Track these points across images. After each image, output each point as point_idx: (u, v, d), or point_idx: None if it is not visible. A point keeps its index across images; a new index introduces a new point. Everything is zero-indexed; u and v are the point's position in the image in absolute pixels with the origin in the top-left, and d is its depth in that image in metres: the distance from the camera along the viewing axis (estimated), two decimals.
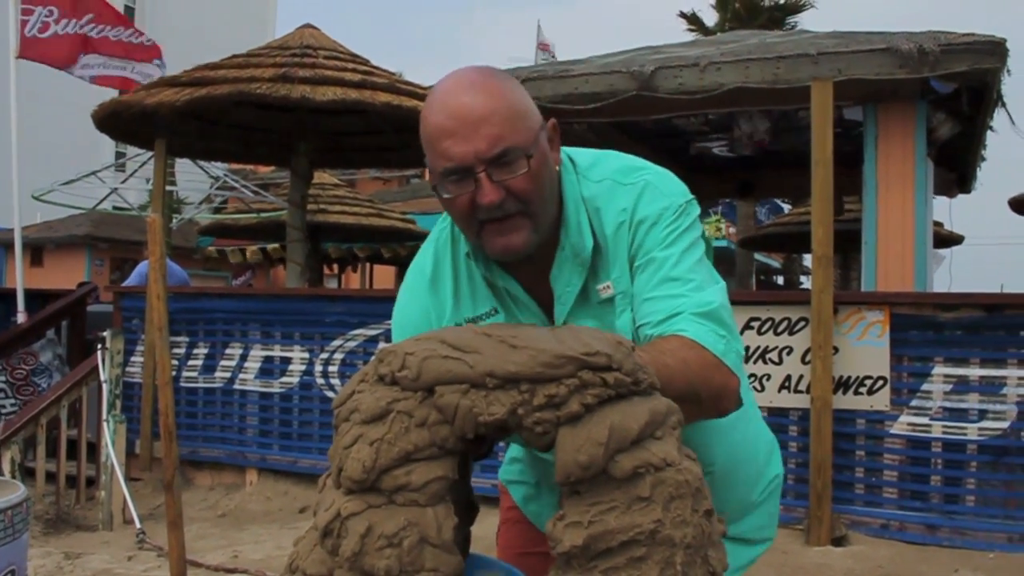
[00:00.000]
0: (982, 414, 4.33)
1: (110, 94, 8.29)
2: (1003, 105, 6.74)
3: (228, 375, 6.22)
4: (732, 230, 17.57)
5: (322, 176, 11.03)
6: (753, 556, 1.66)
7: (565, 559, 0.95)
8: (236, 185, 10.52)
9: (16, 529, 2.30)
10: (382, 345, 5.55)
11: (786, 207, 16.16)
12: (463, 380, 0.96)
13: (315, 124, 7.15)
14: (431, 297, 1.48)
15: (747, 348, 4.55)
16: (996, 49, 5.73)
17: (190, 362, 6.35)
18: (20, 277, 7.70)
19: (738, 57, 6.36)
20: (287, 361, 6.02)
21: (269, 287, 19.18)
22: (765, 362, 4.69)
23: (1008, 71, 6.17)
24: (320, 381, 5.88)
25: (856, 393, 4.53)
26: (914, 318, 4.49)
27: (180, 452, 4.04)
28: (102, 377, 6.01)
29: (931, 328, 4.46)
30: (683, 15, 20.15)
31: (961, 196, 9.63)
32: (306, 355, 5.95)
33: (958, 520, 4.35)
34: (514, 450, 1.74)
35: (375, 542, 0.94)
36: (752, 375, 4.67)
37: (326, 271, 16.01)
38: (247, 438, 6.17)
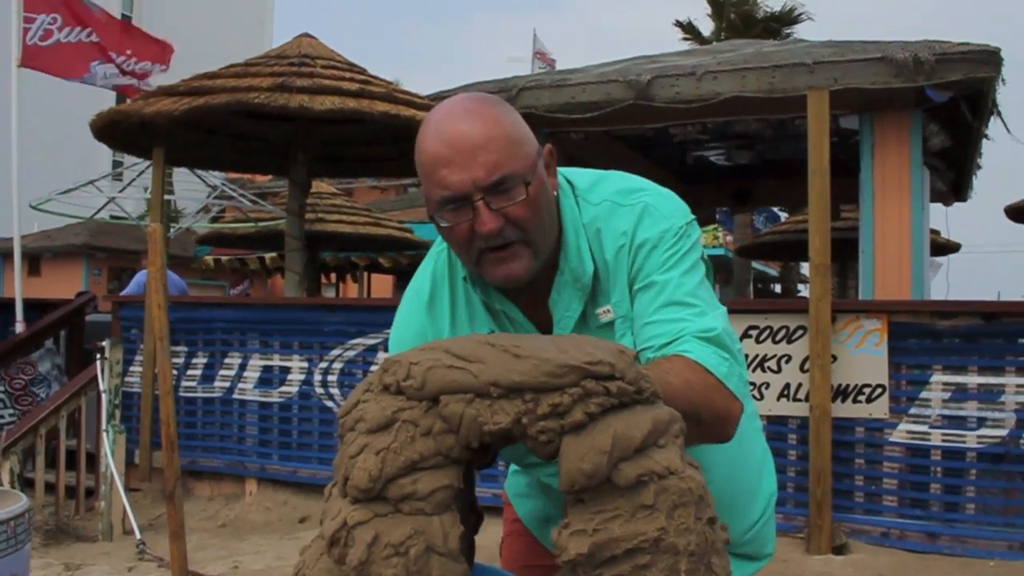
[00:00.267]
0: (981, 422, 4.34)
1: (108, 103, 8.31)
2: (998, 114, 6.78)
3: (227, 384, 6.22)
4: (729, 238, 17.59)
5: (320, 185, 11.05)
6: (754, 570, 1.66)
7: (570, 567, 0.95)
8: (234, 194, 10.52)
9: (18, 540, 2.31)
10: (381, 354, 5.55)
11: (783, 215, 16.20)
12: (467, 389, 0.97)
13: (313, 133, 7.16)
14: (428, 319, 1.47)
15: (745, 356, 4.55)
16: (991, 58, 5.77)
17: (189, 372, 6.34)
18: (19, 287, 7.70)
19: (734, 66, 6.40)
20: (286, 370, 6.02)
21: (267, 296, 19.20)
22: (764, 370, 4.70)
23: (1003, 80, 6.21)
24: (319, 390, 5.88)
25: (855, 401, 4.54)
26: (912, 326, 4.50)
27: (180, 462, 4.03)
28: (101, 387, 6.00)
29: (929, 336, 4.47)
30: (679, 24, 20.21)
31: (958, 204, 9.66)
32: (305, 364, 5.95)
33: (958, 528, 4.36)
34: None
35: (382, 551, 0.94)
36: (751, 383, 4.68)
37: (323, 280, 16.02)
38: (246, 448, 6.16)
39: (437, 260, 1.49)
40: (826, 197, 4.63)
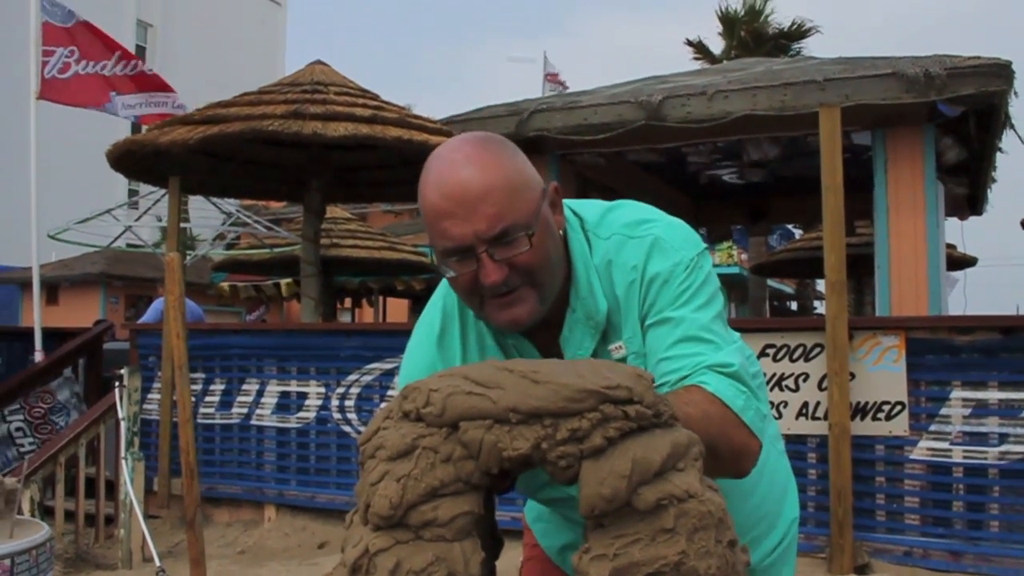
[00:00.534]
0: (1002, 438, 4.29)
1: (124, 132, 8.41)
2: (1012, 126, 6.76)
3: (245, 411, 6.24)
4: (744, 256, 17.55)
5: (334, 210, 11.11)
6: None
7: None
8: (249, 221, 10.60)
9: (40, 568, 2.32)
10: (398, 379, 5.55)
11: (798, 232, 16.15)
12: (487, 416, 0.98)
13: (327, 159, 7.21)
14: (438, 353, 1.46)
15: (763, 374, 4.53)
16: (1002, 71, 5.76)
17: (207, 398, 6.37)
18: (38, 316, 7.76)
19: (745, 85, 6.41)
20: (303, 396, 6.04)
21: (283, 322, 19.25)
22: (782, 389, 4.68)
23: (1015, 93, 6.20)
24: (337, 416, 5.89)
25: (874, 419, 4.50)
26: (930, 342, 4.47)
27: (199, 489, 4.05)
28: (120, 415, 6.03)
29: (948, 352, 4.44)
30: (689, 43, 20.28)
31: (973, 218, 9.62)
32: (322, 390, 5.97)
33: (983, 546, 4.30)
34: None
35: None
36: (769, 403, 4.65)
37: (339, 305, 16.06)
38: (265, 474, 6.17)
39: (447, 295, 1.48)
40: (840, 214, 4.62)
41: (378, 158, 7.55)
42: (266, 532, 5.94)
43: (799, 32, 19.32)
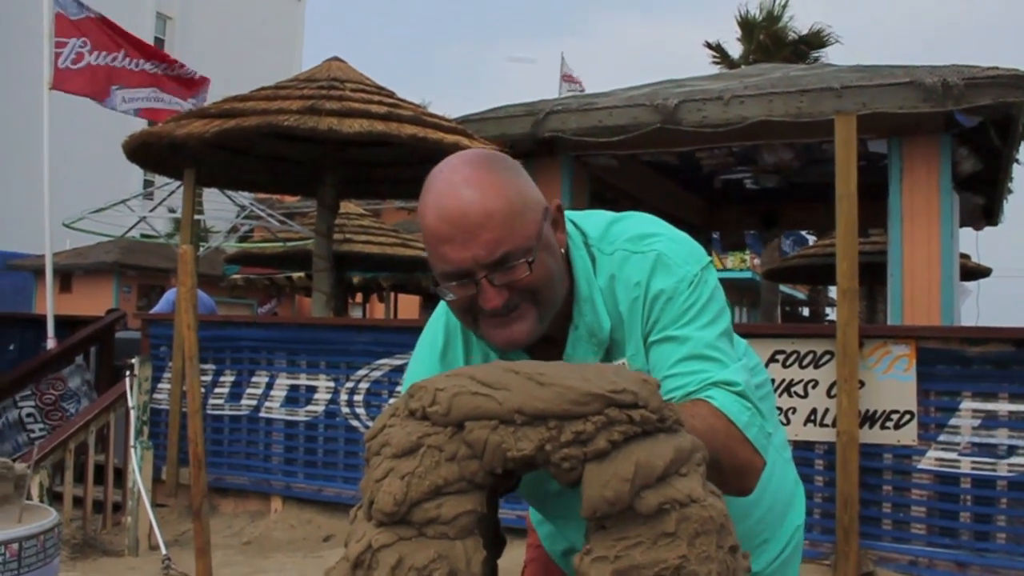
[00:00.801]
0: (1012, 450, 4.27)
1: (140, 124, 8.46)
2: None
3: (254, 403, 6.27)
4: (757, 261, 17.51)
5: (347, 206, 11.14)
6: None
7: None
8: (262, 214, 10.63)
9: (48, 554, 2.34)
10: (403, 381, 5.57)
11: (811, 239, 16.11)
12: (492, 416, 0.99)
13: (342, 155, 7.23)
14: (441, 368, 1.45)
15: (772, 381, 4.53)
16: (1020, 83, 5.73)
17: (216, 390, 6.40)
18: (51, 304, 7.81)
19: (761, 91, 6.40)
20: (313, 390, 6.06)
21: (294, 315, 19.32)
22: (790, 395, 4.67)
23: None
24: (345, 410, 5.91)
25: (883, 427, 4.49)
26: (941, 352, 4.45)
27: (207, 480, 4.07)
28: (130, 403, 6.07)
29: (958, 362, 4.42)
30: (708, 45, 20.21)
31: (988, 228, 9.57)
32: (332, 384, 5.99)
33: (989, 558, 4.29)
34: None
35: (405, 574, 0.96)
36: (777, 408, 4.64)
37: (351, 300, 16.10)
38: (272, 466, 6.19)
39: (450, 311, 1.46)
40: (854, 222, 4.60)
41: (393, 155, 7.57)
42: (272, 524, 5.97)
43: (819, 39, 19.23)
